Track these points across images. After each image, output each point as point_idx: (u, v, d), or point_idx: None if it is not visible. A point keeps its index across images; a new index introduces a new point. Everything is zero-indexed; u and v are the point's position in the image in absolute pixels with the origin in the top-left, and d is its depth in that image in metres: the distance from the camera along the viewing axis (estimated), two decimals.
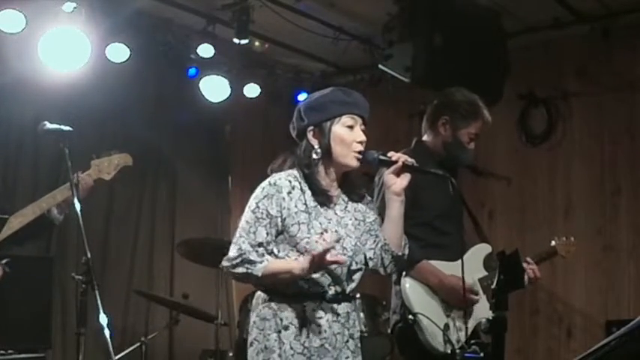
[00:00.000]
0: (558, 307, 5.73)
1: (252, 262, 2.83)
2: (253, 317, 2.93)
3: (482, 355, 2.98)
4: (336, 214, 2.96)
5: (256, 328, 2.89)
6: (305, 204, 2.89)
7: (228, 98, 5.87)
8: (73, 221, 3.55)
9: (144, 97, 5.92)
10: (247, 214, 2.90)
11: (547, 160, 5.91)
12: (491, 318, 2.54)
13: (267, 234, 2.86)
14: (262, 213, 2.86)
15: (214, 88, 5.81)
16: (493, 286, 2.55)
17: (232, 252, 2.86)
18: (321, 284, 2.88)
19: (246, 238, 2.86)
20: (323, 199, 2.93)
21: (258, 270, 2.82)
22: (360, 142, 2.92)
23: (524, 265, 3.99)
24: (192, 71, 5.83)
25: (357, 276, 2.99)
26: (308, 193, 2.92)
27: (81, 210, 3.47)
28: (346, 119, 2.92)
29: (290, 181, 2.91)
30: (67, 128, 3.57)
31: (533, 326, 5.80)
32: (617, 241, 5.54)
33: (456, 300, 3.71)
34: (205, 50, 5.59)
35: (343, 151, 2.92)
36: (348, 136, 2.91)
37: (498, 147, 6.04)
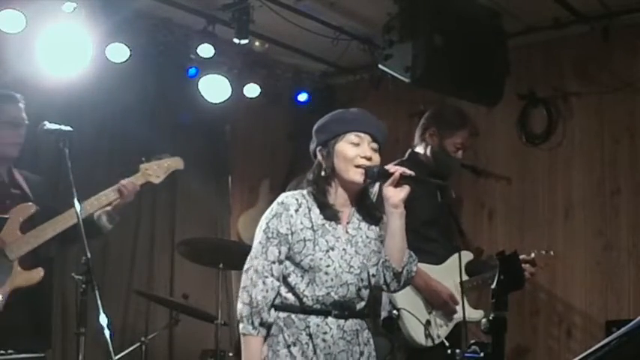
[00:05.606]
0: (558, 307, 5.73)
1: (258, 325, 2.92)
2: None
3: (482, 355, 2.97)
4: (347, 232, 2.98)
5: (266, 344, 2.93)
6: (311, 221, 2.92)
7: (228, 98, 5.87)
8: None
9: (144, 97, 5.90)
10: (259, 235, 2.94)
11: (547, 160, 5.90)
12: (491, 318, 2.54)
13: (279, 252, 2.90)
14: (273, 232, 2.90)
15: (214, 88, 5.80)
16: (493, 286, 2.56)
17: (245, 296, 2.91)
18: (326, 302, 2.90)
19: (260, 258, 2.90)
20: (331, 215, 2.94)
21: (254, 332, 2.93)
22: (364, 157, 2.93)
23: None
24: (192, 71, 5.82)
25: (365, 294, 3.00)
26: (316, 211, 2.95)
27: (81, 210, 3.48)
28: (350, 136, 2.95)
29: (297, 199, 2.95)
30: (67, 128, 3.58)
31: (533, 326, 5.79)
32: (617, 241, 5.53)
33: (437, 302, 4.10)
34: (205, 50, 5.58)
35: (345, 167, 2.93)
36: (351, 152, 2.94)
37: (498, 147, 6.04)
